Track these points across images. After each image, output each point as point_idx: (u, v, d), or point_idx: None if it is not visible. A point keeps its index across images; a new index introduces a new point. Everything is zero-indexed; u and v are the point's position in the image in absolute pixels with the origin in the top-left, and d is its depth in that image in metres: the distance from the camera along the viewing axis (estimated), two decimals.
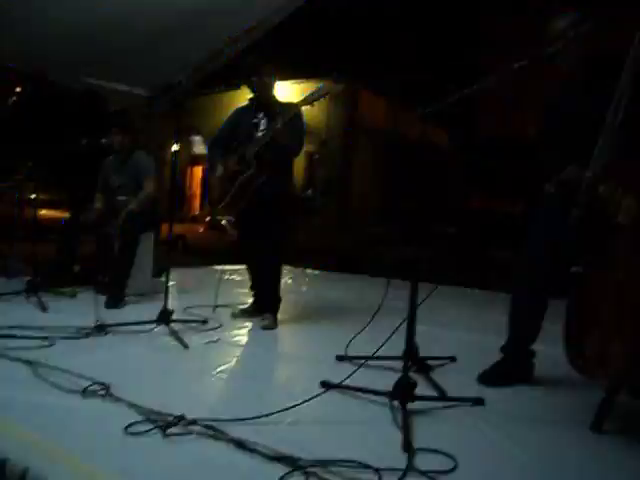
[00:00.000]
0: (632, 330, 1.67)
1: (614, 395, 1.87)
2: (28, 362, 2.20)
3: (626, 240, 1.76)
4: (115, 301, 3.54)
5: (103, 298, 3.51)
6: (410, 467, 1.54)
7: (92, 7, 4.10)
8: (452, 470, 1.56)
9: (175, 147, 3.17)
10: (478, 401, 2.09)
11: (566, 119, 2.25)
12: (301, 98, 3.07)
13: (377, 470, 1.50)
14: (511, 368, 2.42)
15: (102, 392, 1.94)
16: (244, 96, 3.48)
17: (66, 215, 4.55)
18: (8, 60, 4.77)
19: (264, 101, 3.34)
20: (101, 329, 2.82)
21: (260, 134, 3.27)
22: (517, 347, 2.43)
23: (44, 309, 3.27)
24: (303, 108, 3.11)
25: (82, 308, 3.29)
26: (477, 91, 2.15)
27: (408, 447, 1.65)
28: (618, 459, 1.73)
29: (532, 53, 2.04)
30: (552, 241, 2.23)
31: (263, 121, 3.31)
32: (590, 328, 1.84)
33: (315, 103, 3.02)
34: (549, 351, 2.67)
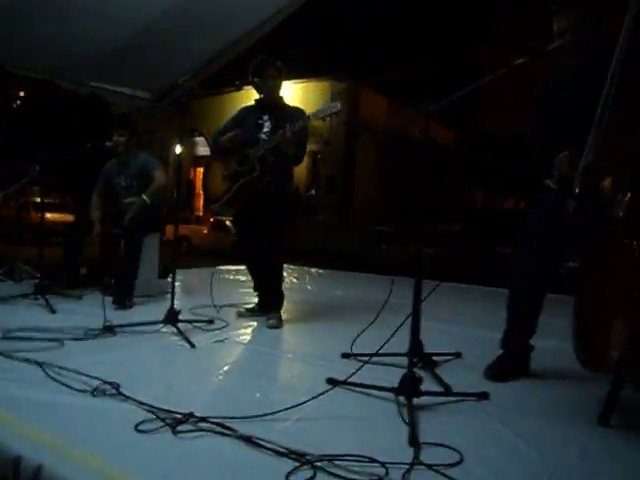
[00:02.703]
0: (630, 321, 1.67)
1: (620, 389, 1.87)
2: (38, 363, 2.23)
3: (621, 229, 1.76)
4: (123, 302, 3.57)
5: (110, 300, 3.54)
6: (416, 461, 1.57)
7: (95, 11, 4.14)
8: (458, 463, 1.58)
9: (179, 149, 3.19)
10: (483, 395, 2.10)
11: (559, 105, 2.27)
12: (312, 112, 3.07)
13: (384, 464, 1.52)
14: (512, 362, 2.43)
15: (112, 391, 1.97)
16: (247, 98, 3.51)
17: (71, 218, 4.58)
18: (14, 65, 4.81)
19: (270, 103, 3.36)
20: (109, 330, 2.85)
21: (264, 136, 3.29)
22: (515, 341, 2.45)
23: (52, 311, 3.31)
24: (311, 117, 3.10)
25: (90, 310, 3.32)
26: (478, 88, 2.17)
27: (414, 441, 1.67)
28: (625, 453, 1.74)
29: (532, 50, 2.06)
30: (549, 234, 2.24)
31: (267, 123, 3.34)
32: (591, 322, 1.85)
33: (325, 118, 3.02)
34: (554, 345, 2.69)
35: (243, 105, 3.55)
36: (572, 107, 2.15)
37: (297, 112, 3.26)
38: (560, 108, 2.25)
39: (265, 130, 3.32)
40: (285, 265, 3.54)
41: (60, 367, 2.18)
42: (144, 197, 3.76)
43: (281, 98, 3.39)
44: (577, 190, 1.93)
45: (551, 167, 2.17)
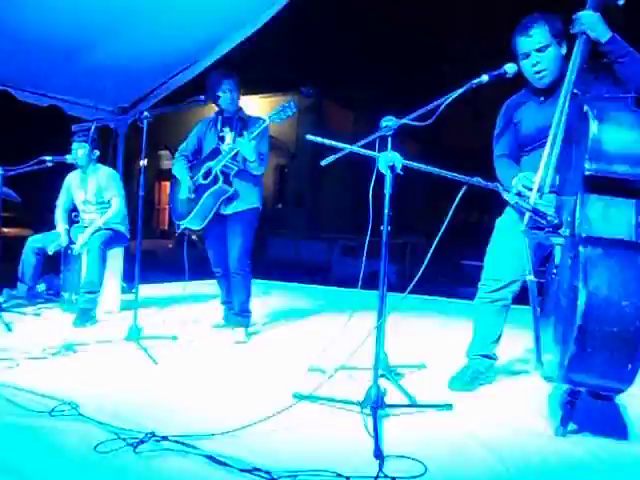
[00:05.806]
0: (569, 335, 1.72)
1: (576, 398, 1.92)
2: None
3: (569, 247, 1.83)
4: (84, 319, 3.48)
5: (70, 316, 3.45)
6: (381, 473, 1.57)
7: (58, 23, 4.07)
8: (422, 475, 1.59)
9: (143, 162, 3.14)
10: (446, 406, 2.13)
11: (518, 129, 2.37)
12: (269, 114, 3.10)
13: (348, 478, 1.52)
14: (476, 372, 2.48)
15: (70, 411, 1.91)
16: (212, 111, 3.50)
17: (30, 233, 4.46)
18: None
19: (229, 116, 3.36)
20: (69, 348, 2.77)
21: (226, 147, 3.28)
22: (480, 351, 2.50)
23: (9, 329, 3.19)
24: (271, 125, 3.14)
25: (49, 327, 3.23)
26: (438, 106, 2.23)
27: (379, 454, 1.68)
28: (582, 461, 1.77)
29: (491, 70, 2.14)
30: (512, 248, 2.30)
31: (228, 135, 3.34)
32: (544, 333, 1.90)
33: (283, 119, 3.06)
34: (517, 355, 2.75)
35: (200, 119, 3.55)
36: (534, 127, 2.24)
37: (256, 119, 3.26)
38: (523, 128, 2.34)
39: (227, 142, 3.32)
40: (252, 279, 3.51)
41: (15, 387, 2.11)
42: (99, 223, 3.80)
43: (240, 109, 3.40)
44: (533, 204, 1.99)
45: (510, 184, 2.25)
